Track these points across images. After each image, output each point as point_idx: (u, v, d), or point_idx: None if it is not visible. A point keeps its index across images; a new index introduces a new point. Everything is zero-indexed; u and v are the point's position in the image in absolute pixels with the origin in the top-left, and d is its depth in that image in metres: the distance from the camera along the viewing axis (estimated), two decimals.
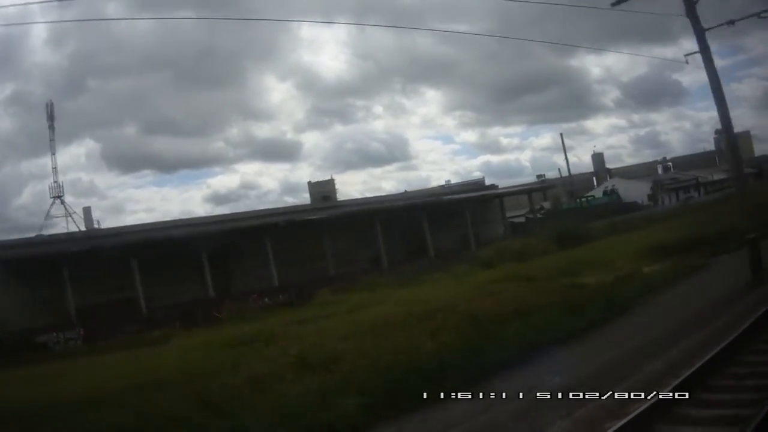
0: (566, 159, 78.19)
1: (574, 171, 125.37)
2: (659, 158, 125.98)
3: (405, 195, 51.13)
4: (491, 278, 18.79)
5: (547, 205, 76.12)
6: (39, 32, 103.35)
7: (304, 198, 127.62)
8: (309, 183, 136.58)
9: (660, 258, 19.46)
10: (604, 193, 76.65)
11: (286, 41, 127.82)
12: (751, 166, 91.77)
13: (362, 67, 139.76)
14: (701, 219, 28.90)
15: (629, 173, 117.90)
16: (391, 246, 35.08)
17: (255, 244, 32.47)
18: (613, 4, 11.44)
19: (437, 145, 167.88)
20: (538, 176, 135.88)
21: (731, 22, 15.47)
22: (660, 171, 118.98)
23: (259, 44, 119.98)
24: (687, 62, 12.05)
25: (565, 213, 54.32)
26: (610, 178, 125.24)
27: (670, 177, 78.99)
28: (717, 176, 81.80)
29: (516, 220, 49.09)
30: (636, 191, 72.83)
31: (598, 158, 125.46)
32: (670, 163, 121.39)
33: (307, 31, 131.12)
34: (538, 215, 49.68)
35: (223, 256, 33.35)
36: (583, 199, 68.78)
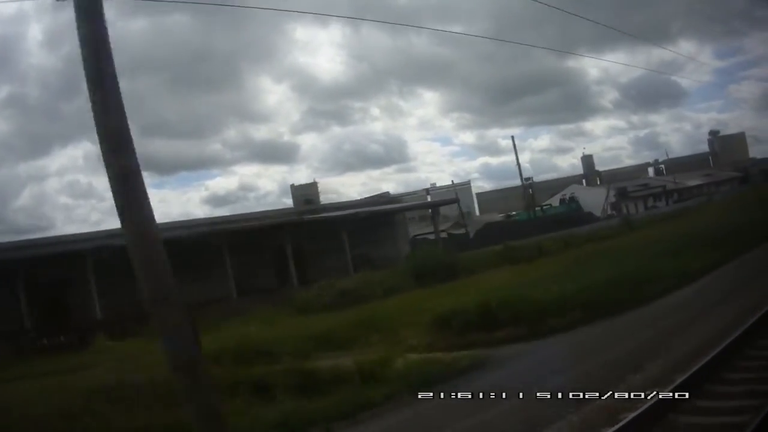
0: (518, 164, 69.85)
1: (573, 172, 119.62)
2: (651, 160, 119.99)
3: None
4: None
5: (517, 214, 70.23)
6: (35, 34, 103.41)
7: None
8: (292, 186, 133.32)
9: (466, 329, 13.81)
10: (561, 201, 70.56)
11: (282, 43, 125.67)
12: (739, 169, 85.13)
13: (358, 69, 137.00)
14: (616, 251, 23.26)
15: (619, 176, 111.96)
16: (255, 271, 29.89)
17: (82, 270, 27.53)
18: None
19: (435, 146, 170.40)
20: (526, 180, 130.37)
21: None
22: (651, 173, 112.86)
23: (256, 46, 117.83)
24: None
25: (506, 226, 48.72)
26: (600, 183, 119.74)
27: (640, 184, 72.59)
28: (693, 182, 75.49)
29: (431, 236, 43.31)
30: (599, 199, 66.67)
31: (587, 160, 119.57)
32: (663, 166, 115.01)
33: (302, 32, 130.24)
34: (467, 231, 44.14)
35: (58, 283, 28.63)
36: (538, 209, 62.88)
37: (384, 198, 42.98)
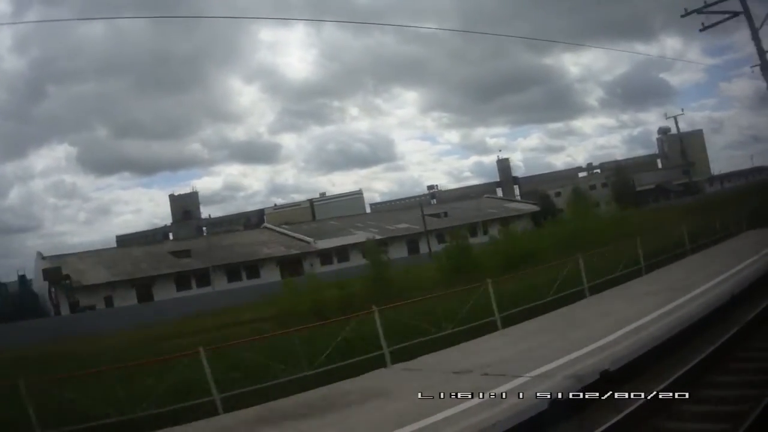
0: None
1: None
2: (585, 164, 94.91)
3: None
4: None
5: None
6: (27, 37, 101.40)
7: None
8: (171, 196, 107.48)
9: None
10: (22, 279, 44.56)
11: (246, 44, 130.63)
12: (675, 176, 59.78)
13: (330, 68, 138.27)
14: None
15: (535, 181, 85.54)
16: None
17: None
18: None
19: (424, 145, 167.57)
20: (429, 188, 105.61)
21: None
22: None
23: (220, 47, 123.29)
24: None
25: None
26: (519, 191, 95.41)
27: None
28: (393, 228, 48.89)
29: None
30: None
31: (503, 164, 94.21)
32: (599, 170, 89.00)
33: (266, 33, 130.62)
34: None
35: None
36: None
37: None
